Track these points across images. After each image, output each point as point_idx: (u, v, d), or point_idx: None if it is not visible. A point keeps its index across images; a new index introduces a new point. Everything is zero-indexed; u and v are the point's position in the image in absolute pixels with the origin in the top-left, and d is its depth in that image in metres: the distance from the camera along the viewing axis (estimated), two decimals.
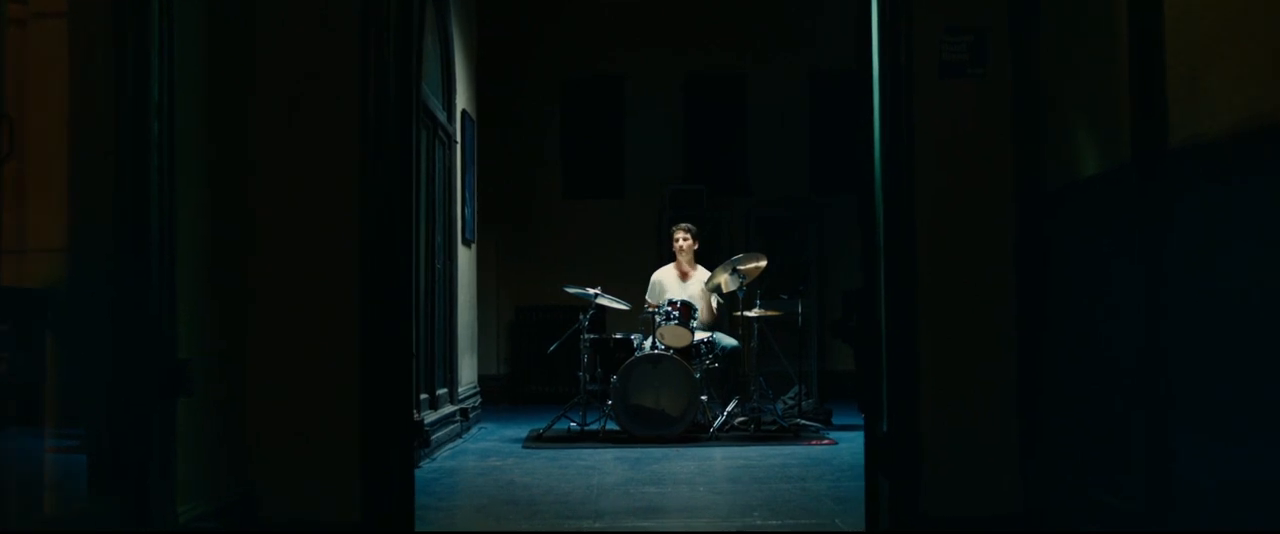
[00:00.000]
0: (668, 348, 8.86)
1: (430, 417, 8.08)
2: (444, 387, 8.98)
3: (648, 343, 9.09)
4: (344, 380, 4.43)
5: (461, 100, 9.80)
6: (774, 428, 9.10)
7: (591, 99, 13.38)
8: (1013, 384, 4.41)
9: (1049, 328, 4.26)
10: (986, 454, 4.42)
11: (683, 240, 9.66)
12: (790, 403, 10.07)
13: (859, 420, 10.21)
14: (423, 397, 8.02)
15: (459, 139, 9.54)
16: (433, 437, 7.86)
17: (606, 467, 7.45)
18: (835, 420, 9.91)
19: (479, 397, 10.57)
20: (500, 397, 12.66)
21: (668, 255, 10.15)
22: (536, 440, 8.83)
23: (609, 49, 13.26)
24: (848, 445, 8.46)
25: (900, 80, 4.41)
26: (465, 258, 10.05)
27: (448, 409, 8.84)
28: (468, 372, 10.20)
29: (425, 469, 7.29)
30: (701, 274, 9.74)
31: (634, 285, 9.96)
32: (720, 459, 7.81)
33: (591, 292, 9.18)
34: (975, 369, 4.41)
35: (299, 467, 4.46)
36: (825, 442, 8.63)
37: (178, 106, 3.85)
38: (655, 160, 13.24)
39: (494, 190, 12.64)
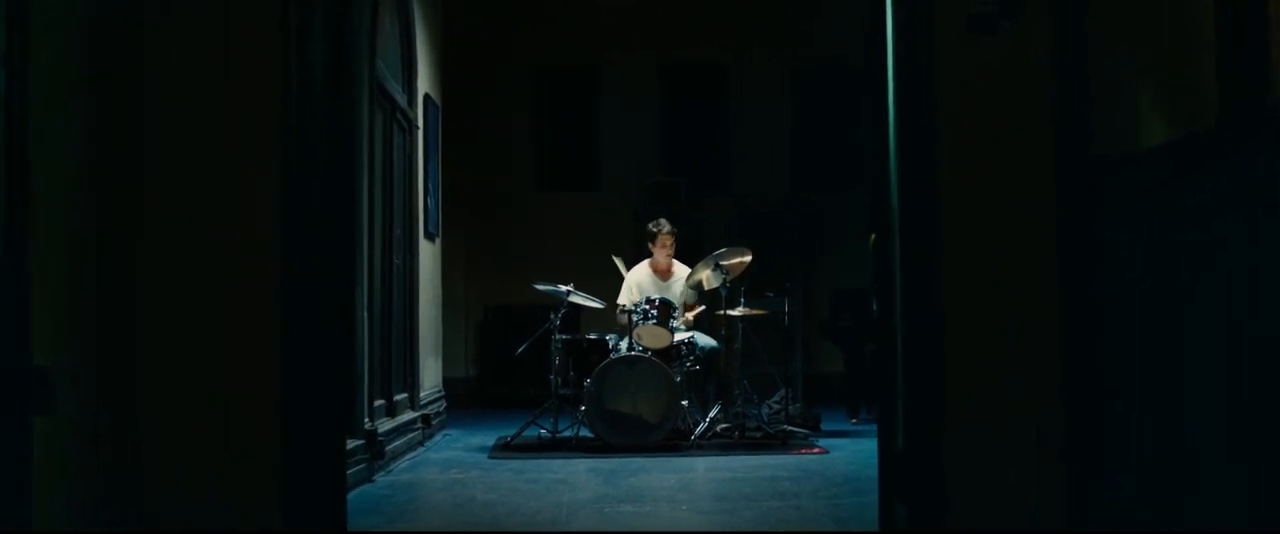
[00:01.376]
0: (645, 349, 8.21)
1: (387, 425, 7.41)
2: (404, 392, 8.31)
3: (624, 344, 8.44)
4: (261, 394, 3.75)
5: (424, 83, 9.13)
6: (759, 435, 8.47)
7: (565, 89, 12.76)
8: (1057, 389, 3.75)
9: (1101, 321, 3.61)
10: (1024, 469, 3.77)
11: (660, 241, 9.01)
12: (776, 407, 9.44)
13: (848, 426, 9.65)
14: (378, 403, 7.35)
15: (421, 124, 8.87)
16: (388, 447, 7.18)
17: (579, 480, 6.80)
18: (824, 426, 9.30)
19: (444, 401, 9.90)
20: (468, 400, 11.99)
21: (645, 252, 9.51)
22: (504, 449, 8.17)
23: (583, 37, 12.63)
24: (840, 454, 7.85)
25: (919, 36, 3.76)
26: (428, 253, 9.37)
27: (408, 416, 8.17)
28: (431, 375, 9.53)
29: (379, 484, 6.62)
30: (682, 271, 9.09)
31: (609, 283, 9.30)
32: (703, 471, 7.17)
33: (563, 289, 8.52)
34: (1011, 373, 3.76)
35: (204, 497, 3.77)
36: (815, 450, 8.00)
37: (48, 72, 3.17)
38: (632, 153, 12.63)
39: (461, 182, 11.96)
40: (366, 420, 6.77)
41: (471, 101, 12.19)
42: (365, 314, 6.81)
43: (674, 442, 8.11)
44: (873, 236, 4.36)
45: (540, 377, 8.94)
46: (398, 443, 7.59)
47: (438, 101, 9.89)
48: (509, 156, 12.63)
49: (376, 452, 6.75)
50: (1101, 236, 3.62)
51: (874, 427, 9.76)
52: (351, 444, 6.35)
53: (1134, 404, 3.57)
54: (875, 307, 3.95)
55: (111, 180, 3.76)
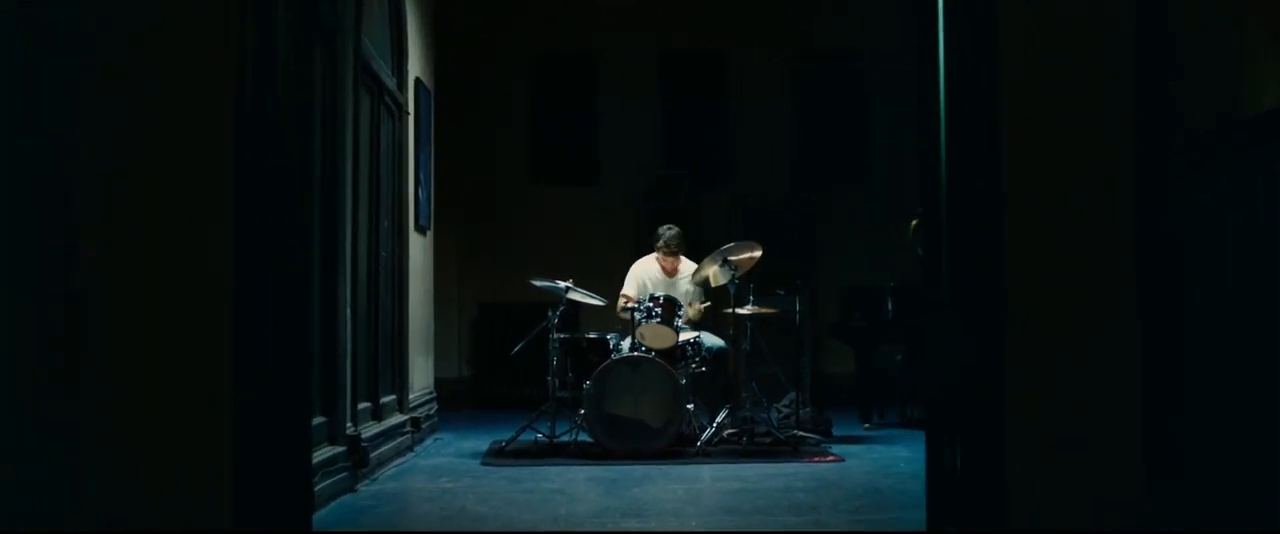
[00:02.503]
0: (649, 349, 7.72)
1: (373, 430, 6.92)
2: (392, 394, 7.82)
3: (625, 343, 7.95)
4: (213, 400, 3.25)
5: (415, 68, 8.63)
6: (768, 440, 7.99)
7: (563, 79, 12.27)
8: (1136, 392, 3.26)
9: (1188, 313, 3.12)
10: (1096, 483, 3.27)
11: (664, 253, 8.56)
12: (785, 411, 8.95)
13: (861, 431, 9.17)
14: (363, 406, 6.86)
15: (412, 110, 8.38)
16: (374, 453, 6.69)
17: (578, 490, 6.32)
18: (836, 431, 8.81)
19: (435, 404, 9.41)
20: (462, 401, 11.50)
21: (645, 247, 9.03)
22: (498, 455, 7.68)
23: (581, 26, 12.14)
24: (857, 462, 7.38)
25: None
26: (419, 246, 8.88)
27: (396, 419, 7.68)
28: (422, 375, 9.03)
29: (361, 494, 6.13)
30: (688, 268, 8.60)
31: (609, 280, 8.82)
32: (711, 481, 6.69)
33: (561, 285, 8.03)
34: (1082, 373, 3.27)
35: (149, 495, 3.27)
36: (830, 458, 7.52)
37: None
38: (632, 145, 12.14)
39: (455, 174, 11.46)
40: (349, 425, 6.28)
41: (466, 91, 11.70)
42: (348, 311, 6.32)
43: (678, 448, 7.63)
44: (914, 224, 3.85)
45: (537, 377, 8.45)
46: (384, 449, 7.10)
47: (430, 88, 9.40)
48: (504, 149, 12.15)
49: (360, 459, 6.26)
50: (1188, 218, 3.13)
51: (889, 432, 9.44)
52: (332, 451, 5.88)
53: (1216, 400, 3.10)
54: (926, 301, 3.39)
55: (37, 163, 3.27)
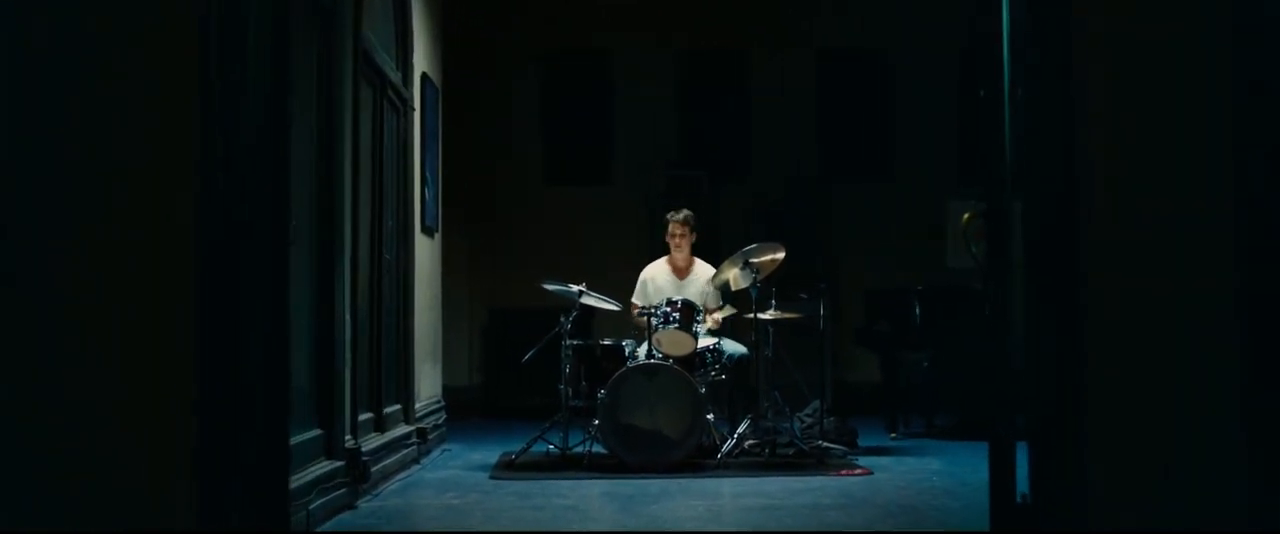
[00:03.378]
0: (666, 356, 7.33)
1: (375, 441, 6.54)
2: (396, 403, 7.44)
3: (641, 350, 7.55)
4: (174, 423, 2.86)
5: (421, 62, 8.26)
6: (791, 452, 7.59)
7: (576, 75, 11.87)
8: (1233, 400, 2.85)
9: None
10: (1192, 504, 2.86)
11: (677, 232, 8.11)
12: (808, 421, 8.54)
13: (888, 441, 8.76)
14: (365, 417, 6.49)
15: (417, 106, 8.00)
16: (376, 467, 6.32)
17: (592, 507, 5.94)
18: (861, 441, 8.40)
19: (443, 413, 9.03)
20: (471, 410, 11.11)
21: (661, 250, 8.63)
22: (508, 468, 7.30)
23: (595, 20, 11.72)
24: (886, 476, 6.99)
25: None
26: (426, 249, 8.50)
27: (400, 430, 7.30)
28: (428, 384, 8.65)
29: (361, 511, 5.75)
30: (702, 270, 8.20)
31: (624, 283, 8.43)
32: (733, 497, 6.29)
33: (575, 289, 7.64)
34: (1174, 381, 2.85)
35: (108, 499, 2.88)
36: (858, 471, 7.11)
37: None
38: (647, 144, 11.75)
39: (464, 174, 11.09)
40: (348, 437, 5.90)
41: (475, 88, 11.32)
42: (347, 316, 5.94)
43: (697, 461, 7.24)
44: (967, 218, 3.44)
45: (549, 385, 8.10)
46: (388, 461, 6.72)
47: (437, 83, 9.02)
48: (515, 147, 11.75)
49: (360, 473, 5.88)
50: None
51: (916, 442, 9.03)
52: (329, 466, 5.50)
53: None
54: (987, 308, 2.97)
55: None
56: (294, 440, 5.11)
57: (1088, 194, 2.86)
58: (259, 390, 2.94)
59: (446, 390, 9.70)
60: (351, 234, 6.08)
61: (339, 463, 5.60)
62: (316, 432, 5.50)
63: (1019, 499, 2.92)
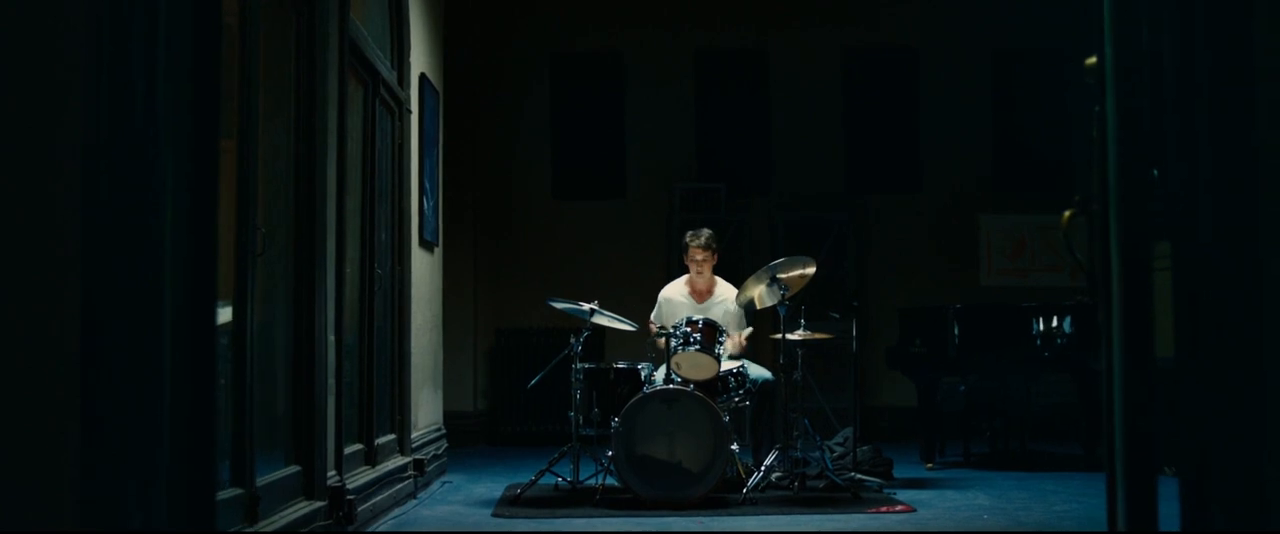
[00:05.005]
0: (686, 381, 6.68)
1: (365, 476, 5.90)
2: (390, 433, 6.81)
3: (659, 374, 6.91)
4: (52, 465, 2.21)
5: (419, 62, 7.64)
6: (822, 485, 6.95)
7: (586, 80, 11.21)
8: None
9: None
10: None
11: (699, 256, 7.47)
12: (839, 450, 7.89)
13: (924, 473, 8.11)
14: (353, 449, 5.86)
15: (414, 108, 7.37)
16: (364, 506, 5.68)
17: None
18: (897, 472, 7.75)
19: (444, 442, 8.39)
20: (477, 437, 10.48)
21: (677, 268, 8.00)
22: (513, 504, 6.65)
23: (607, 20, 11.10)
24: (929, 513, 6.34)
25: None
26: (425, 264, 7.87)
27: (394, 462, 6.65)
28: (428, 410, 8.01)
29: None
30: (724, 291, 7.55)
31: (639, 302, 7.79)
32: None
33: (585, 308, 7.00)
34: None
35: None
36: (898, 507, 6.45)
37: None
38: (663, 154, 11.09)
39: (469, 188, 10.50)
40: (332, 473, 5.25)
41: (480, 95, 10.71)
42: (330, 336, 5.29)
43: (720, 495, 6.58)
44: (1068, 215, 2.78)
45: (559, 411, 7.44)
46: (379, 498, 6.08)
47: (438, 87, 8.41)
48: (524, 157, 11.09)
49: (344, 513, 5.23)
50: None
51: (955, 473, 8.35)
52: (307, 507, 4.86)
53: None
54: (1100, 316, 2.28)
55: None
56: (266, 478, 4.49)
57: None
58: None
59: (449, 417, 9.07)
60: (337, 245, 5.44)
61: (320, 503, 4.96)
62: (293, 468, 4.86)
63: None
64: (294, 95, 5.01)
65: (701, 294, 7.58)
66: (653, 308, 7.66)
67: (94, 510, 2.15)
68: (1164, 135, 2.50)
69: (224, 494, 4.05)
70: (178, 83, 2.08)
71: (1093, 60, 2.62)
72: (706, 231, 7.56)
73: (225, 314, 4.22)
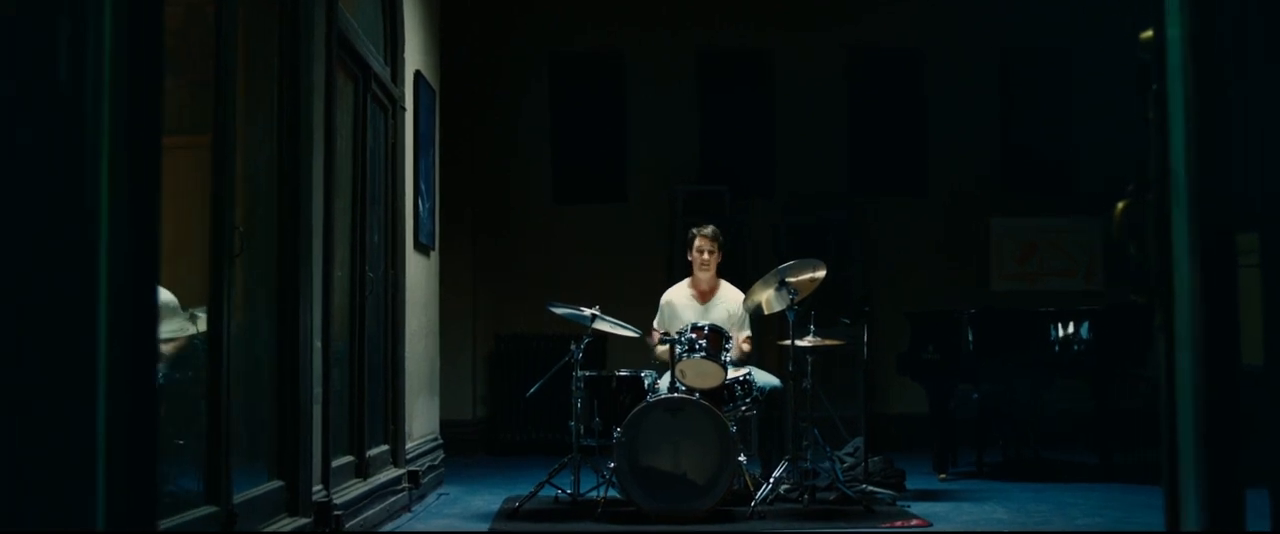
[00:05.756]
0: (691, 389, 6.40)
1: (354, 491, 5.63)
2: (383, 443, 6.53)
3: (663, 382, 6.63)
4: None
5: (414, 59, 7.37)
6: (833, 497, 6.67)
7: (586, 80, 10.94)
8: None
9: None
10: None
11: (705, 248, 7.18)
12: (849, 460, 7.61)
13: (937, 484, 7.83)
14: (342, 462, 5.58)
15: (409, 106, 7.10)
16: (354, 520, 5.41)
17: None
18: (909, 483, 7.48)
19: (441, 452, 8.11)
20: (476, 446, 10.20)
21: (680, 272, 7.72)
22: (511, 517, 6.39)
23: (608, 20, 10.82)
24: (945, 526, 6.06)
25: None
26: (420, 268, 7.60)
27: (387, 475, 6.38)
28: (423, 419, 7.74)
29: None
30: (729, 294, 7.27)
31: (642, 308, 7.51)
32: None
33: (586, 312, 6.72)
34: None
35: None
36: (914, 522, 6.18)
37: None
38: (664, 156, 10.82)
39: (467, 191, 10.22)
40: (318, 488, 4.98)
41: (478, 94, 10.43)
42: (317, 342, 5.02)
43: (727, 508, 6.31)
44: (1122, 206, 2.49)
45: (560, 420, 7.17)
46: (371, 512, 5.81)
47: (434, 86, 8.14)
48: (522, 159, 10.82)
49: (332, 529, 4.96)
50: None
51: (968, 485, 8.07)
52: (290, 524, 4.57)
53: None
54: (1158, 316, 2.00)
55: None
56: (245, 494, 4.22)
57: None
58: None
59: (446, 425, 8.80)
60: (325, 246, 5.17)
61: (304, 520, 4.68)
62: (275, 483, 4.58)
63: None
64: (278, 88, 4.74)
65: (704, 295, 7.30)
66: (655, 314, 7.37)
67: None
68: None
69: (195, 513, 3.78)
70: (119, 41, 1.80)
71: (1148, 34, 2.35)
72: (712, 225, 7.30)
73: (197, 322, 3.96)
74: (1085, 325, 7.95)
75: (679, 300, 7.30)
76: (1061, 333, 7.95)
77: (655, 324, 7.30)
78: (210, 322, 3.99)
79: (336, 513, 5.00)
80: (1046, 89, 10.87)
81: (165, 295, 4.85)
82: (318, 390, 5.02)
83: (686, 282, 7.41)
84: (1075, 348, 7.96)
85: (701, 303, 7.27)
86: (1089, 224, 10.75)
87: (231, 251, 4.01)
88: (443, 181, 8.61)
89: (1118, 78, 11.01)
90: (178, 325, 4.40)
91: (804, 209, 10.62)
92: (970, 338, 7.97)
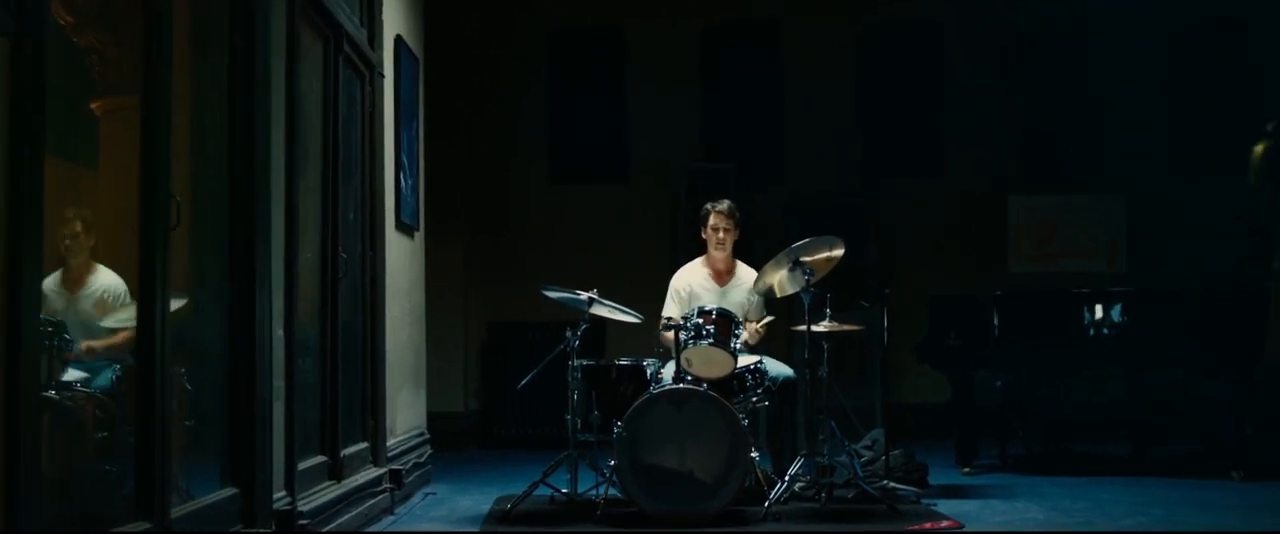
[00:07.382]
0: (698, 380, 5.85)
1: (326, 495, 5.10)
2: (361, 441, 5.99)
3: (667, 372, 6.08)
4: None
5: (395, 22, 6.82)
6: (852, 495, 6.15)
7: (586, 56, 10.43)
8: None
9: None
10: None
11: (721, 226, 6.61)
12: (868, 455, 7.09)
13: (960, 478, 7.30)
14: (311, 463, 5.05)
15: (387, 72, 6.54)
16: (328, 527, 4.87)
17: None
18: (932, 479, 6.95)
19: (427, 448, 7.58)
20: (467, 440, 9.69)
21: (685, 256, 7.17)
22: (503, 520, 5.89)
23: None
24: (978, 527, 5.55)
25: None
26: (402, 250, 7.04)
27: (367, 475, 5.85)
28: (408, 413, 7.20)
29: None
30: (746, 275, 6.70)
31: (642, 293, 6.95)
32: None
33: (583, 297, 6.17)
34: None
35: None
36: (944, 523, 5.65)
37: None
38: (668, 135, 10.34)
39: (459, 172, 9.69)
40: (280, 494, 4.43)
41: (471, 72, 9.92)
42: (278, 330, 4.47)
43: (739, 509, 5.78)
44: (1260, 149, 1.94)
45: (559, 411, 6.61)
46: (345, 518, 5.27)
47: (418, 54, 7.58)
48: (518, 139, 10.31)
49: None
50: None
51: (993, 478, 7.51)
52: None
53: None
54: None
55: None
56: (187, 507, 3.66)
57: None
58: None
59: (436, 418, 8.29)
60: (288, 222, 4.62)
61: (262, 532, 4.13)
62: (228, 491, 4.03)
63: None
64: (227, 43, 4.18)
65: (722, 276, 6.73)
66: (662, 301, 6.78)
67: None
68: None
69: (126, 528, 3.23)
70: None
71: (1260, 149, 1.84)
72: (727, 201, 6.74)
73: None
74: (1118, 308, 7.40)
75: (696, 283, 6.72)
76: (1100, 315, 7.41)
77: (666, 310, 6.69)
78: (140, 304, 3.44)
79: (303, 521, 4.46)
80: (1067, 63, 10.36)
81: (113, 280, 4.31)
82: (279, 384, 4.47)
83: (700, 261, 6.84)
84: (1107, 331, 7.41)
85: (720, 285, 6.70)
86: (1112, 202, 10.26)
87: (165, 224, 3.45)
88: (432, 161, 8.08)
89: (1141, 49, 10.57)
90: (128, 315, 3.86)
91: (814, 189, 10.11)
92: (996, 322, 7.43)
